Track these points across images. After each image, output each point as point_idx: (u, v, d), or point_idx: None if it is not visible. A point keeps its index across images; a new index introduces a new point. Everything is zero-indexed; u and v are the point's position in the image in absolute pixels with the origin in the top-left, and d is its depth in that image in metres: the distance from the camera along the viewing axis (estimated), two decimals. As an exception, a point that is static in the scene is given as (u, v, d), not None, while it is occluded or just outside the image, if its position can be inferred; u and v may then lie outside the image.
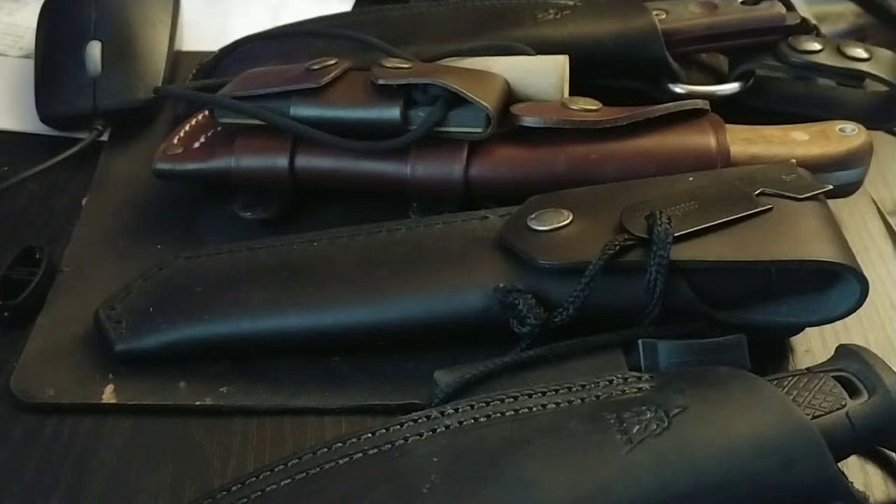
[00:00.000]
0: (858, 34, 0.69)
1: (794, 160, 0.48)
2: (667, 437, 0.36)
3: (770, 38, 0.59)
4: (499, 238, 0.46)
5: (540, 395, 0.39)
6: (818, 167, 0.49)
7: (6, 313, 0.47)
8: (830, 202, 0.47)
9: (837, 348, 0.42)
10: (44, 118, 0.59)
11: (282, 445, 0.43)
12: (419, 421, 0.38)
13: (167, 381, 0.45)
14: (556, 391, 0.39)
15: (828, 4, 0.72)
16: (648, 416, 0.37)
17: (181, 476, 0.41)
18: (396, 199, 0.52)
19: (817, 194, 0.46)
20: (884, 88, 0.58)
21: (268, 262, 0.47)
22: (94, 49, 0.59)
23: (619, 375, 0.40)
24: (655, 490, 0.35)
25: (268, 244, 0.48)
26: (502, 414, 0.38)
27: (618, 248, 0.42)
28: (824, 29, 0.62)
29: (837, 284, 0.43)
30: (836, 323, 0.45)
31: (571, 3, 0.60)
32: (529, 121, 0.50)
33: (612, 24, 0.58)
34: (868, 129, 0.52)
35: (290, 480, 0.37)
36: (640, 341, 0.42)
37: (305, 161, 0.52)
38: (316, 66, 0.53)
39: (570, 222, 0.45)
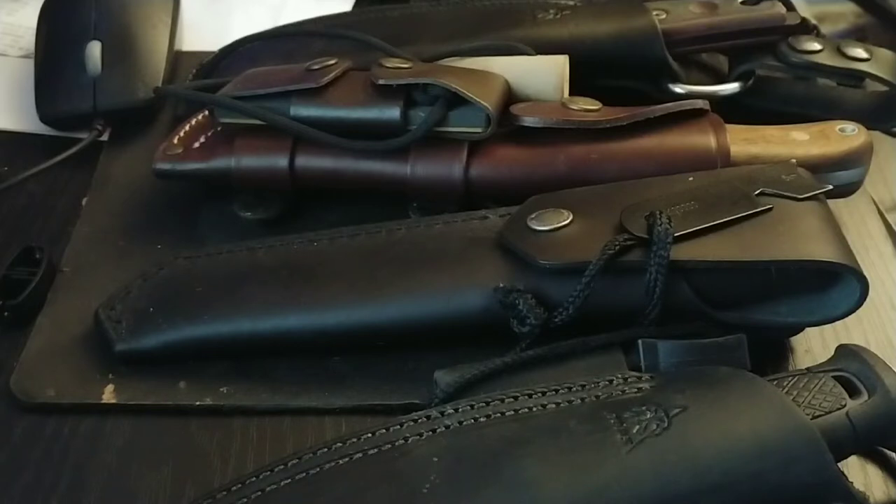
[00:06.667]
0: (858, 34, 0.69)
1: (794, 160, 0.48)
2: (667, 437, 0.36)
3: (770, 38, 0.59)
4: (499, 238, 0.46)
5: (540, 395, 0.39)
6: (818, 167, 0.49)
7: (6, 313, 0.47)
8: (830, 202, 0.47)
9: (837, 348, 0.42)
10: (44, 118, 0.59)
11: (282, 445, 0.43)
12: (419, 421, 0.38)
13: (167, 381, 0.45)
14: (556, 391, 0.39)
15: (828, 4, 0.72)
16: (648, 416, 0.37)
17: (181, 476, 0.41)
18: (396, 199, 0.52)
19: (817, 194, 0.46)
20: (884, 88, 0.58)
21: (268, 262, 0.47)
22: (94, 49, 0.59)
23: (619, 375, 0.40)
24: (655, 490, 0.35)
25: (268, 244, 0.48)
26: (502, 414, 0.38)
27: (618, 248, 0.42)
28: (824, 29, 0.62)
29: (837, 284, 0.43)
30: (836, 323, 0.45)
31: (571, 3, 0.60)
32: (529, 121, 0.50)
33: (612, 24, 0.58)
34: (868, 129, 0.52)
35: (290, 480, 0.37)
36: (640, 341, 0.42)
37: (305, 161, 0.52)
38: (316, 66, 0.53)
39: (570, 222, 0.45)
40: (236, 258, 0.48)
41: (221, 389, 0.44)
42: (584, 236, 0.44)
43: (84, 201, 0.55)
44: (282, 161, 0.52)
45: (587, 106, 0.51)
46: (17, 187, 0.55)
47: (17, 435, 0.43)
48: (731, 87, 0.59)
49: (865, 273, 0.42)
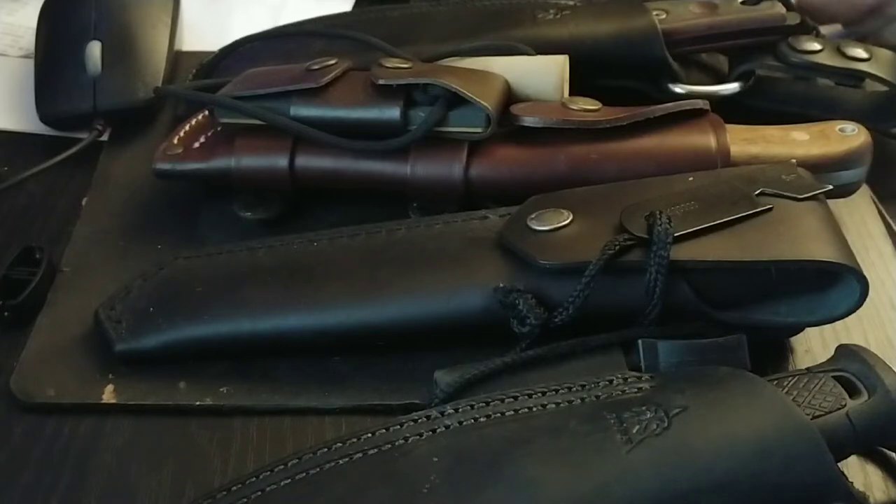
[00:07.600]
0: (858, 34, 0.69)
1: (794, 160, 0.48)
2: (667, 437, 0.36)
3: (770, 38, 0.59)
4: (499, 238, 0.46)
5: (540, 395, 0.39)
6: (818, 167, 0.49)
7: (6, 313, 0.47)
8: (830, 202, 0.47)
9: (837, 348, 0.42)
10: (44, 118, 0.59)
11: (282, 445, 0.43)
12: (419, 421, 0.38)
13: (167, 381, 0.45)
14: (556, 391, 0.39)
15: (828, 4, 0.72)
16: (648, 416, 0.37)
17: (181, 476, 0.41)
18: (396, 199, 0.52)
19: (817, 194, 0.46)
20: (884, 88, 0.58)
21: (268, 262, 0.47)
22: (94, 49, 0.59)
23: (619, 375, 0.40)
24: (655, 490, 0.35)
25: (268, 244, 0.48)
26: (502, 414, 0.38)
27: (618, 248, 0.42)
28: (824, 29, 0.62)
29: (837, 284, 0.43)
30: (836, 323, 0.45)
31: (571, 3, 0.60)
32: (529, 121, 0.50)
33: (612, 24, 0.58)
34: (868, 129, 0.52)
35: (290, 480, 0.37)
36: (640, 341, 0.42)
37: (305, 161, 0.52)
38: (316, 66, 0.53)
39: (570, 222, 0.45)
40: (236, 258, 0.48)
41: (221, 389, 0.44)
42: (584, 236, 0.44)
43: (84, 201, 0.55)
44: (282, 161, 0.52)
45: (587, 106, 0.51)
46: (17, 187, 0.55)
47: (17, 435, 0.43)
48: (731, 87, 0.59)
49: (865, 273, 0.42)
